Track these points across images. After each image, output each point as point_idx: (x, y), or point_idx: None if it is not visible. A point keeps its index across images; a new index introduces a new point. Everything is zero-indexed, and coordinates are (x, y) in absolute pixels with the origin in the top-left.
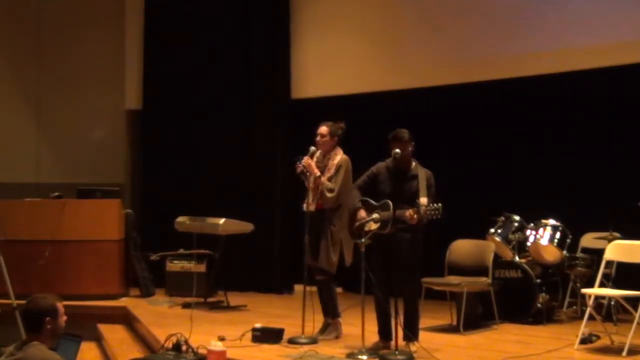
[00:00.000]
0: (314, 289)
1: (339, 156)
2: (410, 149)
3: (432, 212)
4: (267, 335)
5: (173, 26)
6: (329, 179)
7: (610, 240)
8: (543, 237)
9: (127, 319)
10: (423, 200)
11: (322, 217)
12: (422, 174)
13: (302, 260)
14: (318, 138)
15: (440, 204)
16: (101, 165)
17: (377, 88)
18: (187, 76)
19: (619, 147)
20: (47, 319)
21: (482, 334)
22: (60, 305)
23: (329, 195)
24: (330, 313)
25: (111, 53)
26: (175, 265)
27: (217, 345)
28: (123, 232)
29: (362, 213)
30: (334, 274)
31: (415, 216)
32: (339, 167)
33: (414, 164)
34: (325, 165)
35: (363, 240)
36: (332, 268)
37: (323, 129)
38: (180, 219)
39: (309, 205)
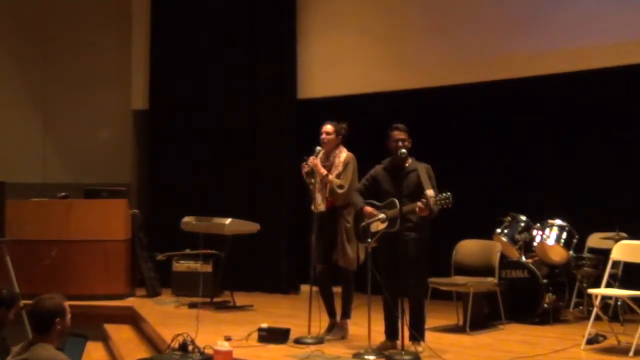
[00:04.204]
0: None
1: (344, 154)
2: (408, 144)
3: (442, 202)
4: (274, 335)
5: (179, 26)
6: (338, 176)
7: (617, 241)
8: (550, 237)
9: (133, 319)
10: (429, 192)
11: (334, 215)
12: (421, 168)
13: (309, 260)
14: (323, 136)
15: (449, 193)
16: (108, 165)
17: (383, 88)
18: (194, 76)
19: (627, 146)
20: (57, 319)
21: (488, 334)
22: (66, 304)
23: (339, 191)
24: (343, 313)
25: (117, 53)
26: (181, 265)
27: (224, 345)
28: (129, 232)
29: (369, 209)
30: (354, 270)
31: (425, 208)
32: (346, 164)
33: (410, 160)
34: (331, 163)
35: (370, 240)
36: (352, 264)
37: (328, 127)
38: (186, 219)
39: (319, 205)
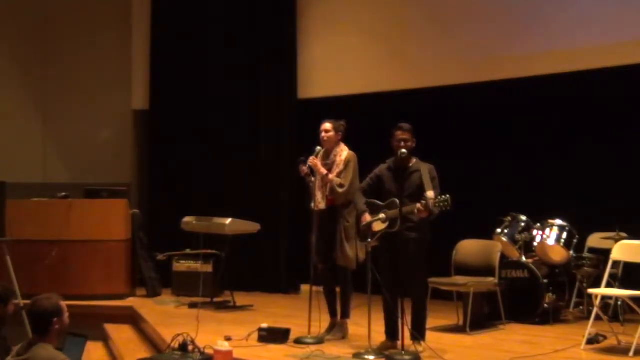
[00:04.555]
0: (321, 289)
1: (345, 152)
2: (412, 144)
3: (441, 204)
4: (274, 335)
5: (180, 26)
6: (338, 175)
7: (617, 241)
8: (550, 237)
9: (133, 319)
10: (430, 193)
11: (334, 214)
12: (424, 168)
13: (309, 260)
14: (323, 134)
15: (448, 195)
16: (108, 165)
17: (384, 88)
18: (194, 76)
19: (627, 146)
20: (55, 319)
21: (488, 334)
22: (63, 304)
23: (340, 190)
24: (342, 312)
25: (118, 53)
26: (181, 265)
27: (224, 345)
28: (130, 232)
29: (367, 217)
30: (353, 269)
31: (424, 210)
32: (347, 163)
33: (414, 160)
34: (332, 162)
35: (370, 240)
36: (352, 264)
37: (327, 126)
38: (187, 219)
39: (319, 204)
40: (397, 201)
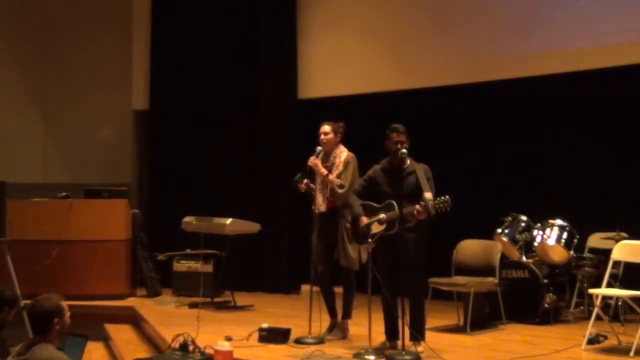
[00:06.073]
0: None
1: (344, 153)
2: (406, 145)
3: (441, 205)
4: (274, 335)
5: (180, 26)
6: (338, 176)
7: (617, 241)
8: (550, 237)
9: (134, 319)
10: (428, 195)
11: (335, 215)
12: (419, 169)
13: (309, 260)
14: (322, 137)
15: (447, 197)
16: (108, 165)
17: (383, 88)
18: (194, 76)
19: (627, 147)
20: (56, 319)
21: (489, 334)
22: (64, 304)
23: (340, 191)
24: (344, 313)
25: (118, 53)
26: (182, 265)
27: (224, 345)
28: (130, 232)
29: (364, 219)
30: (356, 269)
31: (423, 211)
32: (347, 164)
33: (408, 161)
34: (331, 163)
35: (370, 241)
36: (354, 264)
37: (326, 128)
38: (187, 219)
39: (319, 206)
40: (394, 203)
